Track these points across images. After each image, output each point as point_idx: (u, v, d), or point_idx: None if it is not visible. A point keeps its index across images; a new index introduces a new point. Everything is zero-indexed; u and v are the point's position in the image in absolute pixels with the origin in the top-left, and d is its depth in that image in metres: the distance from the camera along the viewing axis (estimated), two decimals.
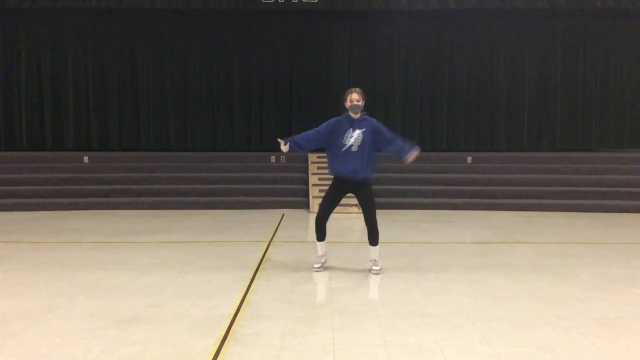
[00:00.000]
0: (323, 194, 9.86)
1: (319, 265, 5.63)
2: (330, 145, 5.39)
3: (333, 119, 5.43)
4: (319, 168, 10.84)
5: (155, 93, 12.68)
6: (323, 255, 5.69)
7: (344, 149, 5.28)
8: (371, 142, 5.33)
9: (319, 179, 10.48)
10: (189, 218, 9.13)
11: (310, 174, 10.74)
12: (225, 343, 3.71)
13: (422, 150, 13.02)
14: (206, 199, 10.32)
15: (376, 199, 5.53)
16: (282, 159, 11.58)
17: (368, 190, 5.44)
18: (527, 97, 12.79)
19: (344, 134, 5.30)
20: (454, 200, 10.29)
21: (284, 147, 5.41)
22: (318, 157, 11.16)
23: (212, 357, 3.49)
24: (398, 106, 12.76)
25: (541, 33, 12.69)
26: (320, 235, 5.59)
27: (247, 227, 8.28)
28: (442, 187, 10.66)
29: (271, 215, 9.37)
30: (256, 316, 4.25)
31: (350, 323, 4.11)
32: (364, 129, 5.31)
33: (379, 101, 12.70)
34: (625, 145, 12.78)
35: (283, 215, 9.46)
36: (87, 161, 11.39)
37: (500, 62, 12.79)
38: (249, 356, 3.51)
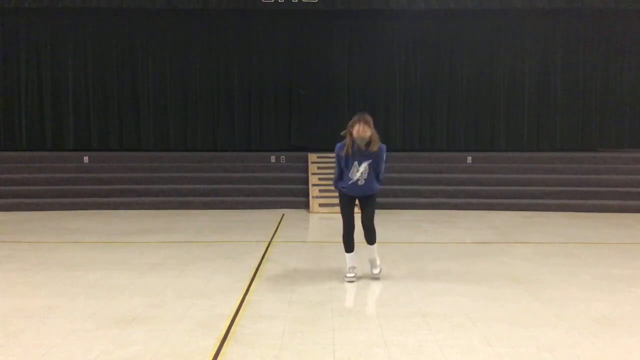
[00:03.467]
0: (323, 194, 10.00)
1: (352, 275, 5.35)
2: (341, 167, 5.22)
3: (337, 147, 5.18)
4: (319, 168, 10.83)
5: (155, 93, 12.67)
6: (354, 267, 5.42)
7: (350, 182, 5.13)
8: (374, 169, 5.18)
9: (319, 179, 10.48)
10: (189, 218, 9.13)
11: (310, 174, 10.74)
12: (225, 343, 3.72)
13: (422, 150, 13.09)
14: (206, 199, 10.32)
15: (377, 199, 5.50)
16: (282, 159, 11.58)
17: (373, 198, 5.34)
18: (527, 97, 12.78)
19: (351, 166, 5.10)
20: (454, 200, 10.29)
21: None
22: (318, 157, 11.15)
23: (212, 357, 3.49)
24: (398, 106, 12.76)
25: (541, 33, 12.68)
26: (349, 247, 5.39)
27: (247, 227, 8.28)
28: (442, 187, 10.65)
29: (271, 215, 9.37)
30: (256, 316, 4.25)
31: (350, 323, 4.11)
32: (370, 160, 5.11)
33: (379, 101, 12.70)
34: (625, 145, 12.78)
35: (283, 215, 9.46)
36: (87, 161, 11.39)
37: (500, 62, 12.78)
38: (249, 356, 3.51)
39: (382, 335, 3.87)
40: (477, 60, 12.75)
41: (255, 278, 5.37)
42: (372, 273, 5.41)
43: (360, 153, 5.08)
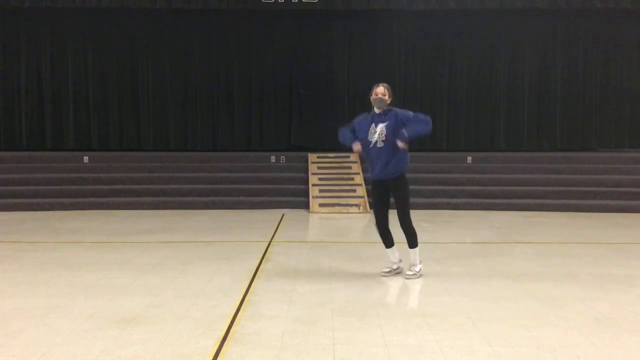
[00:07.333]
0: (323, 194, 10.00)
1: (387, 270, 5.43)
2: (361, 141, 5.24)
3: (361, 115, 5.31)
4: (319, 168, 10.83)
5: (155, 93, 12.68)
6: (395, 262, 5.45)
7: (370, 145, 5.13)
8: (395, 134, 5.06)
9: (319, 179, 10.48)
10: (189, 218, 9.12)
11: (310, 174, 10.73)
12: (225, 343, 3.71)
13: (422, 150, 13.08)
14: (206, 199, 10.32)
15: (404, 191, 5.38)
16: (282, 159, 11.58)
17: (402, 187, 5.20)
18: (527, 97, 12.79)
19: (368, 130, 5.16)
20: (454, 200, 10.29)
21: (356, 146, 5.24)
22: (318, 157, 11.15)
23: (212, 357, 3.49)
24: (398, 106, 12.69)
25: (541, 33, 12.69)
26: (386, 242, 5.40)
27: (247, 227, 8.28)
28: (442, 187, 10.65)
29: (271, 215, 9.37)
30: (256, 316, 4.25)
31: (350, 323, 4.11)
32: (386, 122, 5.14)
33: None
34: (625, 145, 12.79)
35: (283, 215, 9.46)
36: (87, 161, 11.39)
37: (500, 62, 12.78)
38: (249, 356, 3.51)
39: (382, 335, 3.86)
40: (477, 60, 12.76)
41: (255, 278, 5.36)
42: (406, 274, 5.35)
43: (375, 117, 5.18)
